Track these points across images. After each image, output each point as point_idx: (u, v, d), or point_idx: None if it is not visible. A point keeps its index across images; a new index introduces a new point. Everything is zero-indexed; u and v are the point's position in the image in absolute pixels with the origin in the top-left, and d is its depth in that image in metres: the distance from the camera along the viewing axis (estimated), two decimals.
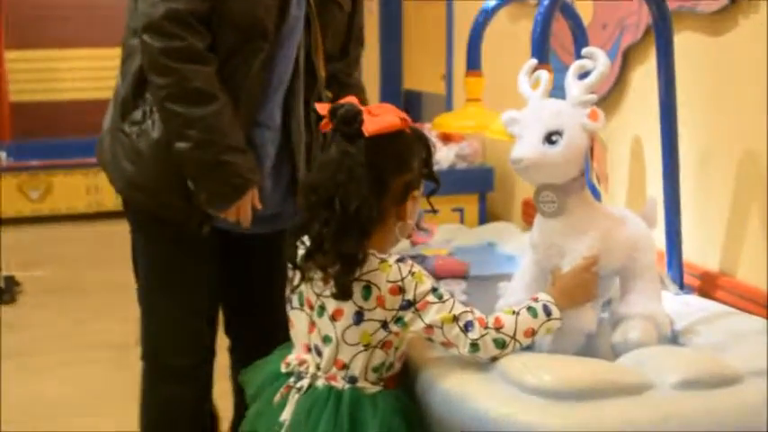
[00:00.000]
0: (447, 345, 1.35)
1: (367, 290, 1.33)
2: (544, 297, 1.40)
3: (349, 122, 1.37)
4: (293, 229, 1.43)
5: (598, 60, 1.42)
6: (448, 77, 3.28)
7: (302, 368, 1.43)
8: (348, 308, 1.35)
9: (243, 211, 1.73)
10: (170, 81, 1.64)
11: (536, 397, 1.28)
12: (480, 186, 2.70)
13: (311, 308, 1.41)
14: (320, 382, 1.40)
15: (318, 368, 1.40)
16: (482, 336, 1.33)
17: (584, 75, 1.45)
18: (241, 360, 1.84)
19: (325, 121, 1.41)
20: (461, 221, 2.67)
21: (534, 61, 1.54)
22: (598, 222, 1.48)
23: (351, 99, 1.42)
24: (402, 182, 1.39)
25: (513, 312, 1.36)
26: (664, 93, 1.74)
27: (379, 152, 1.36)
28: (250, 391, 1.52)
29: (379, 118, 1.37)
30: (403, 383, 1.44)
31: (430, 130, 2.44)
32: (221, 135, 1.66)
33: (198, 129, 1.64)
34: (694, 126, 1.86)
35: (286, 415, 1.39)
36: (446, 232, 2.35)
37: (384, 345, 1.37)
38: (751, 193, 1.73)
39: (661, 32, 1.71)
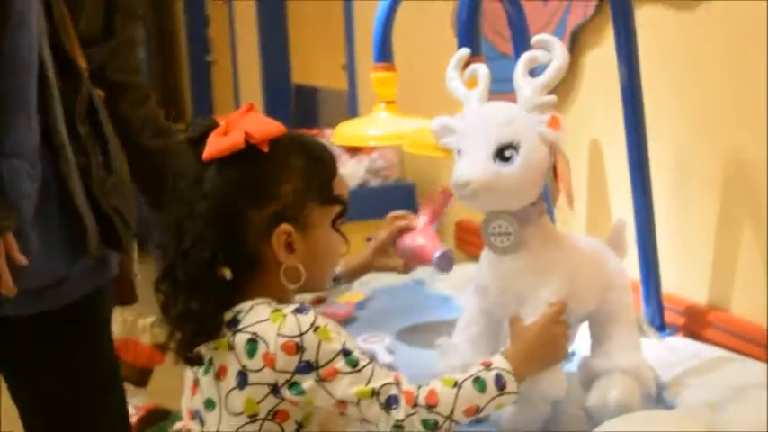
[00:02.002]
0: (364, 422, 1.32)
1: (252, 344, 1.29)
2: (500, 363, 1.37)
3: (197, 143, 1.34)
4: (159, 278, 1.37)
5: (554, 50, 1.41)
6: (349, 69, 3.27)
7: None
8: (232, 365, 1.31)
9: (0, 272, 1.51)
10: None
11: None
12: (400, 208, 2.61)
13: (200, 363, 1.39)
14: None
15: None
16: (408, 416, 1.30)
17: (534, 70, 1.43)
18: None
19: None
20: None
21: (465, 51, 1.53)
22: (564, 258, 1.47)
23: (244, 111, 1.35)
24: (266, 215, 1.32)
25: (455, 384, 1.34)
26: (626, 82, 1.74)
27: (227, 180, 1.31)
28: None
29: (220, 139, 1.32)
30: None
31: (330, 142, 2.40)
32: None
33: None
34: (668, 123, 1.86)
35: None
36: None
37: (276, 415, 1.32)
38: (742, 205, 1.74)
39: (618, 6, 1.71)
